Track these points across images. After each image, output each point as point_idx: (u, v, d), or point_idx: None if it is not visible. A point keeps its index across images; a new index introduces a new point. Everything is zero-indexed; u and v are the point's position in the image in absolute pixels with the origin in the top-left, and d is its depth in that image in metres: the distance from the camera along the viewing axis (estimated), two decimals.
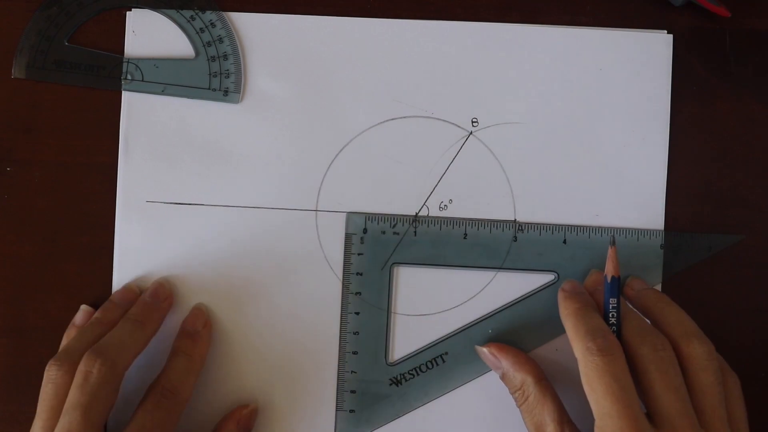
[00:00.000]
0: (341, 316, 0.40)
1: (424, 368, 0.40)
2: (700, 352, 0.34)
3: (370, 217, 0.41)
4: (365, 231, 0.41)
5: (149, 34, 0.41)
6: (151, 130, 0.41)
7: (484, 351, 0.39)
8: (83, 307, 0.40)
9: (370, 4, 0.41)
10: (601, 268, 0.38)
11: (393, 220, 0.41)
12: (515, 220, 0.41)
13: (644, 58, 0.41)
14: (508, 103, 0.41)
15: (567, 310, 0.36)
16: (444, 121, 0.41)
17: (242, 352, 0.40)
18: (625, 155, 0.41)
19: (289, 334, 0.41)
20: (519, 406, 0.37)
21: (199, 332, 0.39)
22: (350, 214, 0.41)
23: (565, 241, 0.40)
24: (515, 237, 0.40)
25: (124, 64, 0.41)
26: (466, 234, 0.40)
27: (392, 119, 0.41)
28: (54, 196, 0.41)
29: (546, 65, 0.41)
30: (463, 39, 0.41)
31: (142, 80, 0.41)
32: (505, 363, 0.38)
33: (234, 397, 0.40)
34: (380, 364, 0.40)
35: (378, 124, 0.41)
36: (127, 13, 0.41)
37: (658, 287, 0.40)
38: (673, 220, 0.41)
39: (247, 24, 0.41)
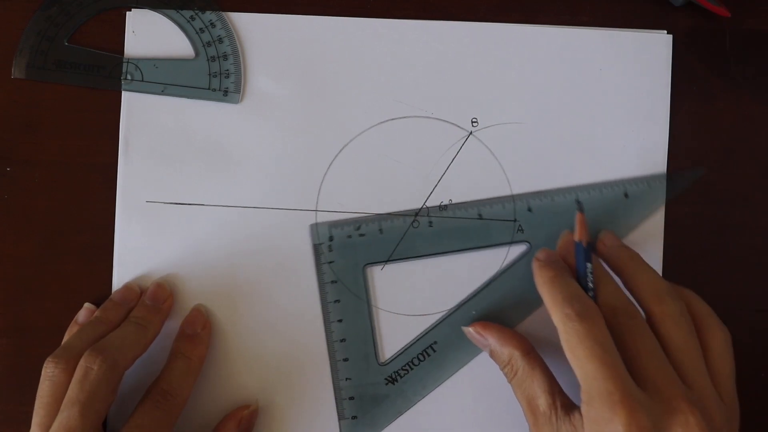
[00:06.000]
0: (325, 327, 0.40)
1: (416, 362, 0.40)
2: (672, 310, 0.34)
3: (334, 224, 0.40)
4: (331, 239, 0.40)
5: (149, 34, 0.41)
6: (151, 130, 0.41)
7: (470, 330, 0.39)
8: (87, 305, 0.40)
9: (369, 4, 0.41)
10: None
11: (356, 223, 0.40)
12: (515, 220, 0.41)
13: (644, 58, 0.41)
14: (508, 103, 0.41)
15: (542, 278, 0.36)
16: (444, 121, 0.41)
17: (242, 353, 0.40)
18: (625, 155, 0.41)
19: (290, 335, 0.40)
20: (509, 382, 0.37)
21: (199, 334, 0.39)
22: (313, 226, 0.40)
23: (530, 209, 0.40)
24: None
25: (124, 64, 0.41)
26: (431, 223, 0.40)
27: (392, 119, 0.41)
28: (54, 196, 0.41)
29: (546, 65, 0.41)
30: (463, 39, 0.41)
31: (142, 80, 0.41)
32: (491, 339, 0.38)
33: (234, 399, 0.40)
34: (372, 366, 0.40)
35: (378, 124, 0.41)
36: (127, 13, 0.41)
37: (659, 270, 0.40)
38: (674, 220, 0.41)
39: (247, 24, 0.41)
